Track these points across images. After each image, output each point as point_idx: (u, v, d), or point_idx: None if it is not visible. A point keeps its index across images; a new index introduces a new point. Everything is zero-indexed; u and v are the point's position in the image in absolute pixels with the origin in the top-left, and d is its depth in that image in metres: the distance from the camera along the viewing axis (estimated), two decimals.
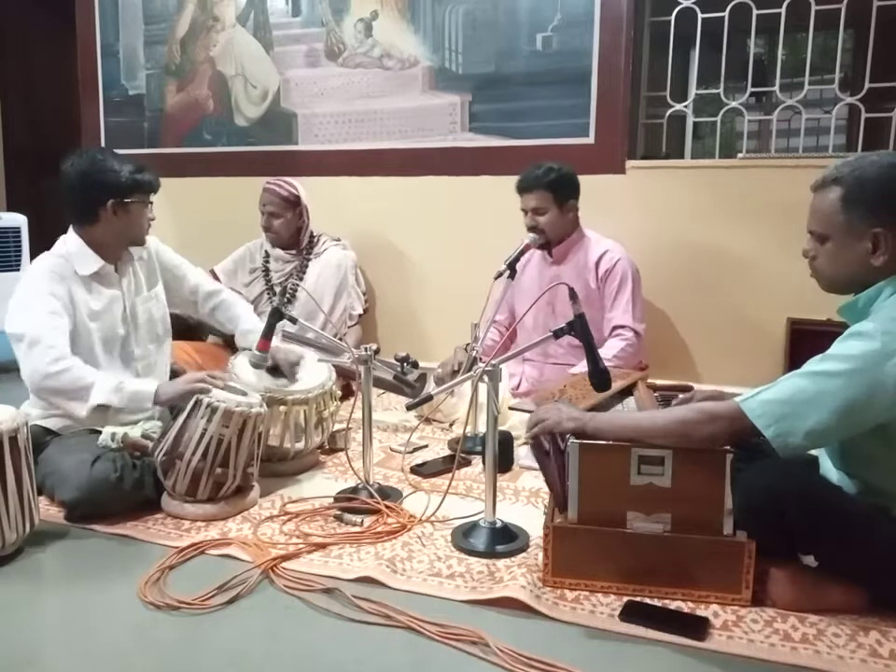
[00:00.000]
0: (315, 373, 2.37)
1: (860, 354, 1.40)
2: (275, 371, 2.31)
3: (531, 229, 2.74)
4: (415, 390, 2.60)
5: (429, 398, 1.91)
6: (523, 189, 2.74)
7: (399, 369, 2.48)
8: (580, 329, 1.69)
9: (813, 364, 1.46)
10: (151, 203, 2.20)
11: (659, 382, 2.78)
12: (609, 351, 2.62)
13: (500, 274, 2.42)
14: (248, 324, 2.46)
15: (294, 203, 3.15)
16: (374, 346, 2.16)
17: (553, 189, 2.71)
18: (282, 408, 2.22)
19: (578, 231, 2.82)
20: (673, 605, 1.55)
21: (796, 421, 1.42)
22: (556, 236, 2.77)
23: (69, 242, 2.15)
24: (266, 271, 3.24)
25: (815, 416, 1.41)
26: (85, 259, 2.13)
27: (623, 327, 2.71)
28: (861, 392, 1.39)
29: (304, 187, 3.20)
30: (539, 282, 2.83)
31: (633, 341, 2.69)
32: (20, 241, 3.58)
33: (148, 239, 2.33)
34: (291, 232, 3.19)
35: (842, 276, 1.55)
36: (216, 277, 3.26)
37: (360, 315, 3.28)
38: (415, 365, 2.55)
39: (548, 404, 1.75)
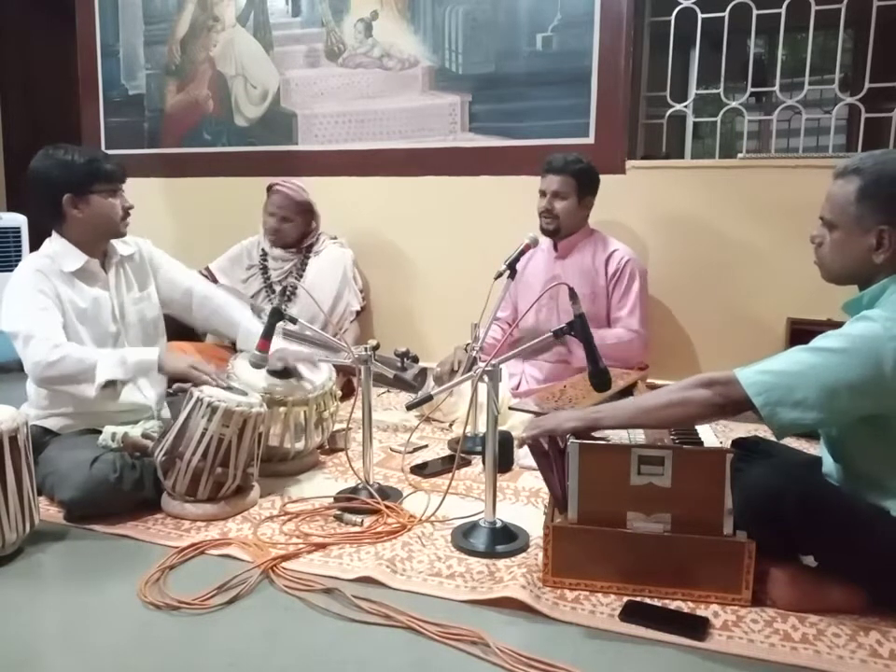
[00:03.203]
0: (315, 373, 2.37)
1: (860, 334, 1.42)
2: (277, 372, 2.30)
3: (545, 212, 2.76)
4: (416, 389, 2.60)
5: (429, 398, 1.91)
6: (550, 170, 2.76)
7: (399, 364, 2.48)
8: (579, 329, 1.69)
9: (816, 340, 1.47)
10: (120, 191, 2.16)
11: (659, 382, 2.78)
12: (608, 336, 2.63)
13: (500, 275, 2.42)
14: (247, 327, 2.43)
15: (306, 210, 3.16)
16: (374, 342, 2.16)
17: (579, 179, 2.75)
18: (282, 409, 2.22)
19: (586, 228, 2.84)
20: (673, 605, 1.55)
21: (786, 391, 1.43)
22: (567, 227, 2.78)
23: (54, 241, 2.16)
24: (264, 268, 3.24)
25: (805, 388, 1.42)
26: (69, 256, 2.13)
27: (626, 329, 2.73)
28: (855, 369, 1.40)
29: (304, 186, 3.20)
30: (543, 277, 2.83)
31: (633, 340, 2.70)
32: (20, 241, 3.58)
33: (141, 241, 2.32)
34: (296, 235, 3.19)
35: (842, 267, 1.55)
36: (212, 275, 3.26)
37: (358, 312, 3.28)
38: (416, 360, 2.55)
39: (548, 412, 1.76)
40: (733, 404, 1.50)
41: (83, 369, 1.97)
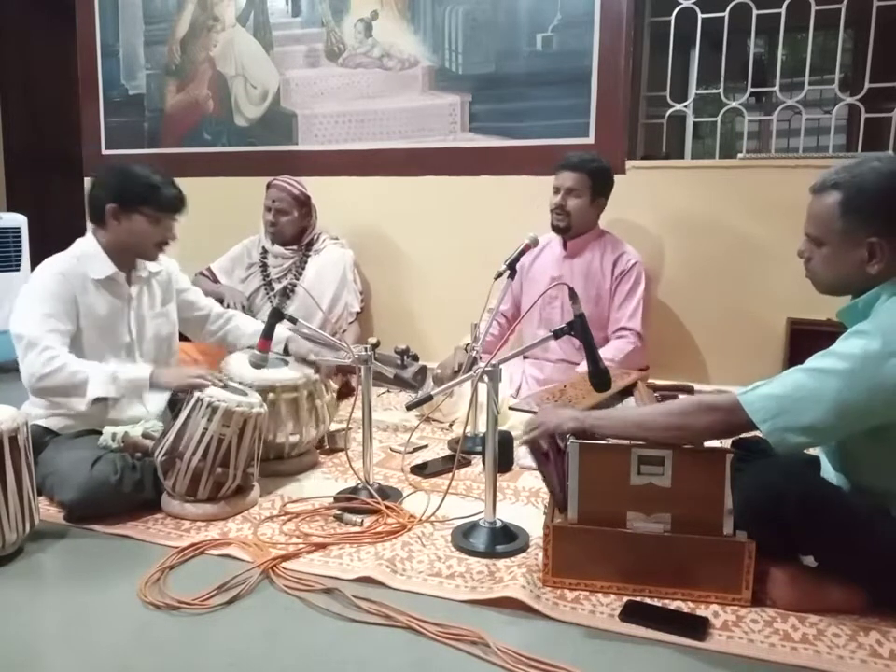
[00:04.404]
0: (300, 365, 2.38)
1: (860, 353, 1.40)
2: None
3: (558, 208, 2.75)
4: (416, 387, 2.59)
5: (429, 398, 1.90)
6: (565, 166, 2.75)
7: (399, 362, 2.49)
8: (579, 329, 1.69)
9: (814, 360, 1.45)
10: (166, 221, 2.16)
11: (659, 382, 2.79)
12: (609, 351, 2.63)
13: (500, 275, 2.42)
14: (253, 328, 2.45)
15: (303, 203, 3.17)
16: (374, 340, 2.16)
17: (594, 178, 2.74)
18: (270, 395, 2.20)
19: (596, 230, 2.84)
20: (673, 605, 1.55)
21: (793, 417, 1.42)
22: (577, 225, 2.77)
23: (86, 243, 2.16)
24: (263, 266, 3.24)
25: (812, 413, 1.41)
26: (98, 262, 2.13)
27: (628, 330, 2.72)
28: (859, 391, 1.39)
29: (303, 183, 3.21)
30: (550, 275, 2.83)
31: (636, 344, 2.70)
32: (20, 241, 3.58)
33: (169, 261, 2.34)
34: (295, 231, 3.20)
35: (836, 280, 1.54)
36: (213, 275, 3.26)
37: (358, 313, 3.28)
38: (416, 358, 2.55)
39: (547, 407, 1.75)
40: (736, 429, 1.50)
41: (75, 383, 1.97)
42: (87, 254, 2.13)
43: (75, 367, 1.99)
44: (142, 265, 2.24)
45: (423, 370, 2.54)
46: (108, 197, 2.10)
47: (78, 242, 2.18)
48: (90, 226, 2.20)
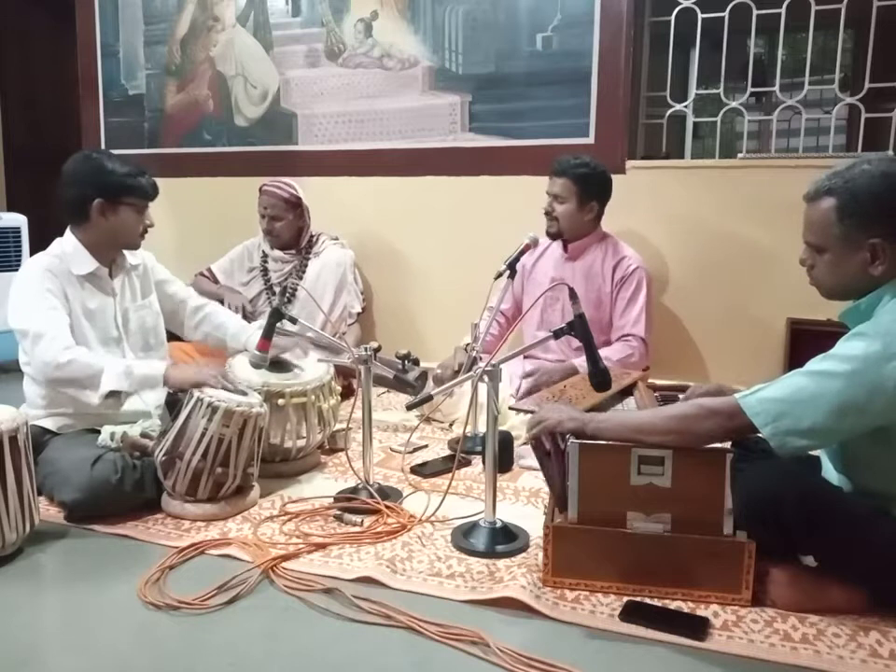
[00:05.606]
0: (312, 367, 2.38)
1: (860, 355, 1.40)
2: (273, 365, 2.31)
3: (546, 213, 2.76)
4: (416, 389, 2.60)
5: (429, 398, 1.91)
6: (553, 172, 2.75)
7: (400, 366, 2.49)
8: (579, 329, 1.69)
9: (814, 363, 1.46)
10: (147, 207, 2.18)
11: (659, 382, 2.78)
12: (612, 353, 2.63)
13: (500, 275, 2.42)
14: (236, 326, 2.46)
15: (295, 205, 3.15)
16: (375, 344, 2.16)
17: (579, 183, 2.71)
18: (280, 401, 2.21)
19: (597, 233, 2.82)
20: (673, 605, 1.55)
21: (794, 420, 1.42)
22: (568, 230, 2.77)
23: (65, 242, 2.16)
24: (264, 270, 3.24)
25: (813, 416, 1.41)
26: (80, 259, 2.14)
27: (632, 336, 2.72)
28: (860, 393, 1.39)
29: (304, 187, 3.20)
30: (551, 276, 2.83)
31: (641, 351, 2.70)
32: (20, 241, 3.58)
33: (145, 253, 2.34)
34: (292, 234, 3.19)
35: (842, 285, 1.55)
36: (213, 276, 3.26)
37: (359, 314, 3.28)
38: (416, 362, 2.55)
39: (548, 404, 1.75)
40: (737, 432, 1.51)
41: (90, 374, 1.98)
42: (68, 252, 2.13)
43: (88, 358, 2.00)
44: (122, 259, 2.24)
45: (423, 375, 2.55)
46: (92, 194, 2.10)
47: (57, 241, 2.18)
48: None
